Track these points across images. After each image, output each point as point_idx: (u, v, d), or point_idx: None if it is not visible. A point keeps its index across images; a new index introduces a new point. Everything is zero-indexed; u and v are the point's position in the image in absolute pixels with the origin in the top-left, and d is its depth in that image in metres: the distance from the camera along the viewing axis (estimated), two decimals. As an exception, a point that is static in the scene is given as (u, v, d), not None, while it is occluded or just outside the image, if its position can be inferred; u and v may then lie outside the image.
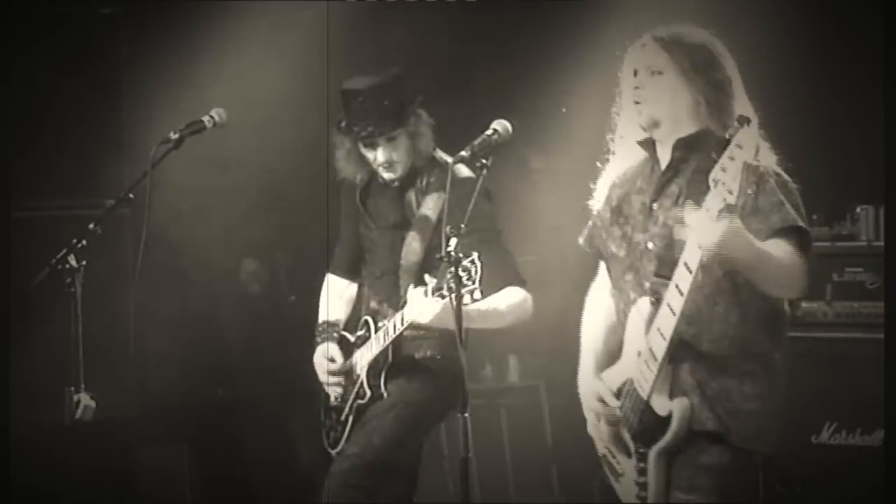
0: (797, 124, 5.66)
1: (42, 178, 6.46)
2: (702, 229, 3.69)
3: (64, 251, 4.78)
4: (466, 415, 4.02)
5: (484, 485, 6.64)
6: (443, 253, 4.11)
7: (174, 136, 4.94)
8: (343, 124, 5.19)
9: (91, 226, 4.85)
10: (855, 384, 5.68)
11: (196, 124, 5.01)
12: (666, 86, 4.06)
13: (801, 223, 3.90)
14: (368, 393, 5.18)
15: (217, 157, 6.59)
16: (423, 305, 4.77)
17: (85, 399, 4.82)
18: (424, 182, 5.20)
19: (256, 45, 6.78)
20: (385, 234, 5.31)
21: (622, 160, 4.28)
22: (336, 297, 5.48)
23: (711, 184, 3.65)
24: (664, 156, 4.11)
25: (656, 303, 3.95)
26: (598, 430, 4.27)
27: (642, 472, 4.06)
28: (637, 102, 4.09)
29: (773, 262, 3.85)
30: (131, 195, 4.97)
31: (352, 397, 5.24)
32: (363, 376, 5.21)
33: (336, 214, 5.48)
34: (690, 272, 3.77)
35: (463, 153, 4.29)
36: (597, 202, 4.34)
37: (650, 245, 4.07)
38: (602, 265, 4.32)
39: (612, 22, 6.11)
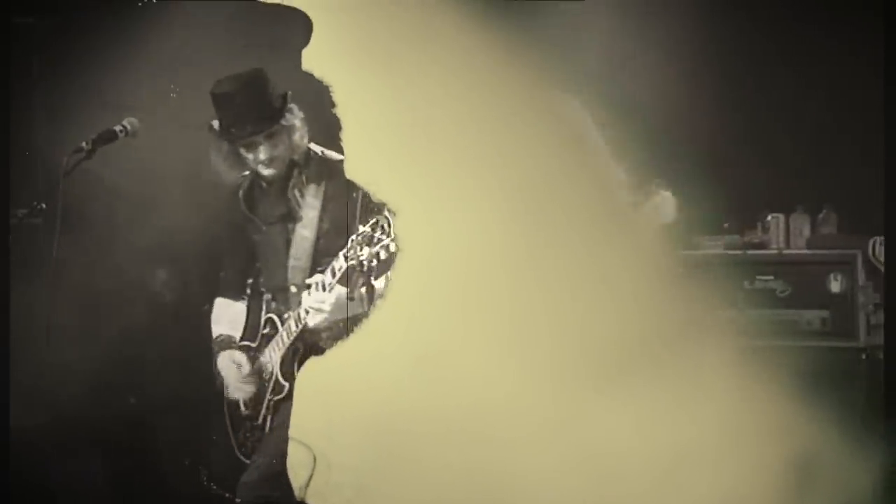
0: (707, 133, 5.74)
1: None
2: None
3: (-27, 262, 4.75)
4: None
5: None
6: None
7: (86, 145, 4.92)
8: (218, 128, 5.19)
9: (1, 236, 4.83)
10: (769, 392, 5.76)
11: (108, 134, 5.00)
12: None
13: None
14: (286, 386, 5.20)
15: (130, 167, 6.54)
16: (319, 297, 4.87)
17: (-4, 412, 4.80)
18: (304, 176, 5.28)
19: (170, 53, 6.74)
20: (275, 231, 5.33)
21: None
22: (227, 319, 5.49)
23: None
24: None
25: None
26: None
27: None
28: None
29: None
30: (43, 205, 4.95)
31: (267, 395, 5.26)
32: (276, 371, 5.23)
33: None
34: None
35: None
36: None
37: None
38: None
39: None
